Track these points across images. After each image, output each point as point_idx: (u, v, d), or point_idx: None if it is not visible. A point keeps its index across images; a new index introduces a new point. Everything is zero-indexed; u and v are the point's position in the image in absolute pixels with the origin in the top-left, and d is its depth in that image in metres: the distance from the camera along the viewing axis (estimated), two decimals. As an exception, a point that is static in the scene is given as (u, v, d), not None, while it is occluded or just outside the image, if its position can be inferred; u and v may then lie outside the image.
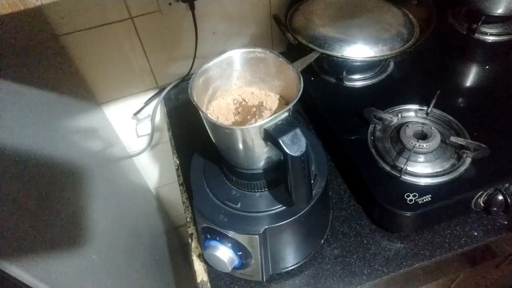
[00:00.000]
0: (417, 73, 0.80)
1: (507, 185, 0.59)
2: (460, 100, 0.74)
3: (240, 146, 0.45)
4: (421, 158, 0.62)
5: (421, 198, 0.57)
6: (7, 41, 0.55)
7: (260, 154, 0.48)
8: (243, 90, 0.53)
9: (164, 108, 0.91)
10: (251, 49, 0.50)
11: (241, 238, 0.51)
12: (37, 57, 0.63)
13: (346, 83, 0.76)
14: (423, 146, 0.61)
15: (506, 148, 0.63)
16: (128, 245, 0.74)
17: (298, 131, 0.42)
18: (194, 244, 0.64)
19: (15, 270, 0.37)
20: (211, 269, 0.61)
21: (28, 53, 0.60)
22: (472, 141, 0.61)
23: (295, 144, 0.41)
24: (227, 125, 0.48)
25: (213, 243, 0.53)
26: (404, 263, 0.58)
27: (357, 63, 0.72)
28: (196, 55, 0.86)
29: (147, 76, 0.90)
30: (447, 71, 0.80)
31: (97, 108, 0.88)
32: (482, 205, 0.60)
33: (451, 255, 0.59)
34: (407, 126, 0.64)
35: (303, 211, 0.51)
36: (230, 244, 0.53)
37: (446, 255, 0.58)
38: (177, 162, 0.77)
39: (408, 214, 0.56)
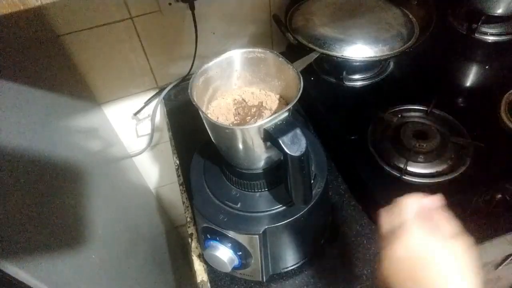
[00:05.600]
0: (417, 73, 0.80)
1: (507, 185, 0.59)
2: (460, 100, 0.74)
3: (240, 146, 0.45)
4: (421, 158, 0.62)
5: (421, 198, 0.57)
6: (7, 41, 0.55)
7: (260, 154, 0.48)
8: (243, 90, 0.53)
9: (164, 108, 0.91)
10: (251, 49, 0.50)
11: (241, 238, 0.51)
12: (37, 57, 0.63)
13: (346, 83, 0.76)
14: (423, 146, 0.61)
15: (505, 148, 0.63)
16: (128, 245, 0.74)
17: (298, 131, 0.42)
18: (194, 244, 0.64)
19: (15, 270, 0.37)
20: (211, 269, 0.61)
21: (28, 53, 0.60)
22: (472, 141, 0.61)
23: (295, 144, 0.41)
24: (227, 125, 0.48)
25: (213, 243, 0.53)
26: (404, 263, 0.58)
27: (357, 63, 0.72)
28: (196, 55, 0.86)
29: (147, 76, 0.90)
30: (447, 71, 0.80)
31: (97, 108, 0.88)
32: (482, 205, 0.60)
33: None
34: (407, 126, 0.64)
35: (303, 211, 0.51)
36: (230, 244, 0.53)
37: (446, 255, 0.58)
38: (177, 162, 0.77)
39: (408, 214, 0.56)
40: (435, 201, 0.42)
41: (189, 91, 0.45)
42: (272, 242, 0.53)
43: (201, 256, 0.62)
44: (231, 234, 0.51)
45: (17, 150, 0.45)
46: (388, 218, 0.42)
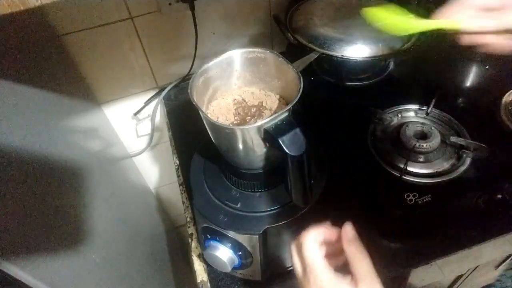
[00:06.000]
0: (417, 73, 0.80)
1: (507, 185, 0.59)
2: (460, 100, 0.74)
3: (240, 146, 0.45)
4: (421, 158, 0.62)
5: (421, 198, 0.57)
6: (7, 41, 0.55)
7: (260, 154, 0.48)
8: (243, 90, 0.53)
9: (164, 108, 0.91)
10: (251, 49, 0.50)
11: (241, 238, 0.51)
12: (37, 57, 0.63)
13: (346, 83, 0.76)
14: (423, 146, 0.61)
15: (506, 148, 0.63)
16: (128, 245, 0.74)
17: (298, 131, 0.42)
18: (194, 244, 0.64)
19: (15, 270, 0.37)
20: (211, 269, 0.61)
21: (28, 53, 0.60)
22: (472, 141, 0.61)
23: (295, 144, 0.41)
24: (227, 125, 0.48)
25: (213, 243, 0.53)
26: (404, 263, 0.58)
27: (357, 63, 0.72)
28: (196, 55, 0.86)
29: (147, 76, 0.90)
30: (447, 71, 0.80)
31: (97, 108, 0.88)
32: (482, 205, 0.60)
33: (451, 255, 0.59)
34: (407, 126, 0.64)
35: (303, 211, 0.51)
36: (230, 244, 0.53)
37: (446, 255, 0.58)
38: (177, 162, 0.77)
39: (408, 214, 0.57)
40: (345, 233, 0.41)
41: (189, 91, 0.45)
42: (272, 242, 0.53)
43: (201, 256, 0.62)
44: (231, 234, 0.51)
45: (17, 150, 0.45)
46: (296, 257, 0.41)
